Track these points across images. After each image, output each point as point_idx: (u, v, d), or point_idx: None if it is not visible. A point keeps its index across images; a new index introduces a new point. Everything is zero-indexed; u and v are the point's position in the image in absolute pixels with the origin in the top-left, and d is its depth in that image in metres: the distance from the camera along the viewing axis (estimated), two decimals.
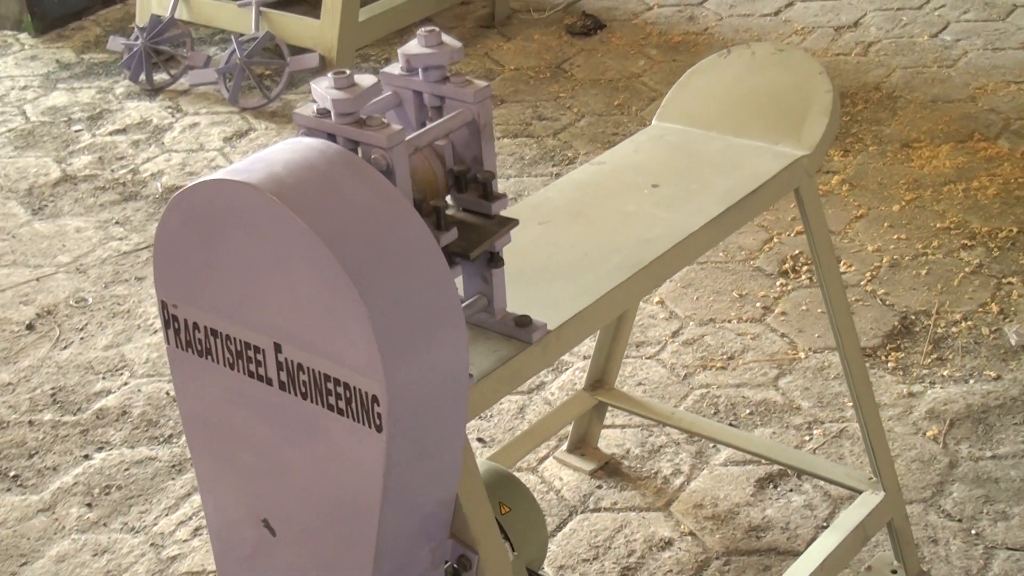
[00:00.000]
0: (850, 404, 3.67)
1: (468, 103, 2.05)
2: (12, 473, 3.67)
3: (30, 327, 4.32)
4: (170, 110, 5.77)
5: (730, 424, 3.69)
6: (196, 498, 3.50)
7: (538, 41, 6.28)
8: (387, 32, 6.06)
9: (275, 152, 1.85)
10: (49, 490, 3.60)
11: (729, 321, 4.17)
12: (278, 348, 1.88)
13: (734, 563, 3.25)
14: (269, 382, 1.93)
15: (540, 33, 6.37)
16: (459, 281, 2.15)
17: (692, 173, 2.66)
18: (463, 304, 2.12)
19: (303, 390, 1.89)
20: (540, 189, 2.71)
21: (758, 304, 4.24)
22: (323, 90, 1.92)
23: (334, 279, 1.74)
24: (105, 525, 3.48)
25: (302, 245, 1.75)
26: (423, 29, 2.06)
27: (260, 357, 1.92)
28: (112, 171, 5.28)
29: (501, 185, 4.96)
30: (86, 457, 3.71)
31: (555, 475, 3.56)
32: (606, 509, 3.44)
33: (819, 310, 4.13)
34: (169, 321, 2.01)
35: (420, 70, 2.07)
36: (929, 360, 3.92)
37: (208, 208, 1.85)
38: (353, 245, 1.75)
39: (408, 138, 1.96)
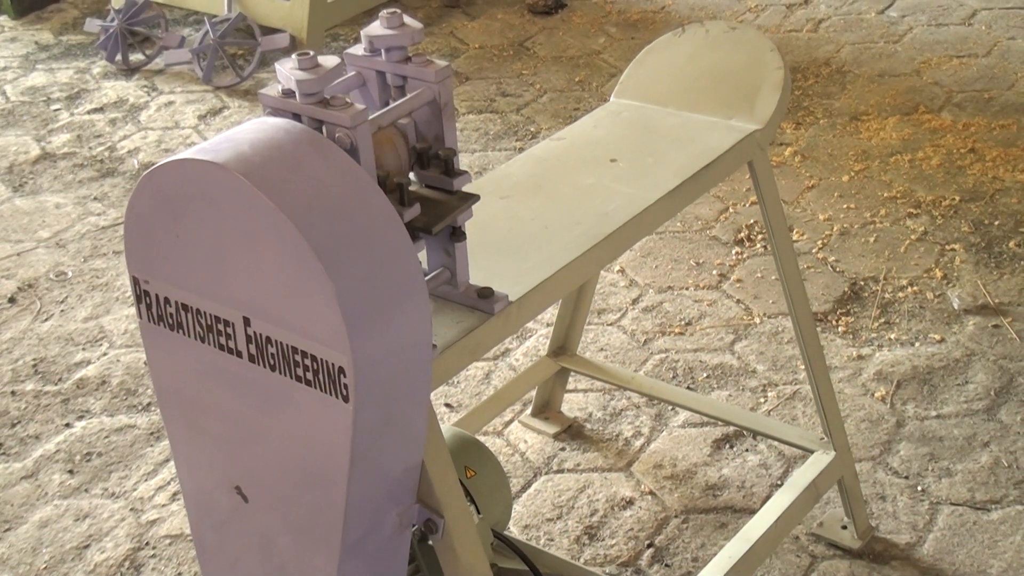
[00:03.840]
0: (802, 367, 3.70)
1: (429, 82, 2.04)
2: None
3: (12, 300, 4.35)
4: (146, 89, 5.78)
5: (688, 387, 3.74)
6: (173, 464, 3.53)
7: (501, 20, 6.30)
8: (356, 12, 6.06)
9: (241, 132, 1.84)
10: (32, 458, 3.63)
11: (687, 288, 4.20)
12: (247, 322, 1.88)
13: (692, 521, 3.29)
14: (239, 355, 1.92)
15: (503, 12, 6.39)
16: (423, 255, 2.14)
17: (649, 148, 2.67)
18: (427, 277, 2.12)
19: (272, 362, 1.89)
20: (503, 163, 2.70)
21: (714, 272, 4.27)
22: (288, 71, 1.90)
23: (300, 255, 1.74)
24: (86, 491, 3.51)
25: (269, 222, 1.75)
26: (385, 11, 2.06)
27: (230, 331, 1.91)
28: (90, 149, 5.30)
29: (466, 159, 4.98)
30: (67, 425, 3.74)
31: (520, 438, 3.60)
32: (569, 470, 3.48)
33: (773, 277, 4.17)
34: (141, 296, 2.00)
35: (383, 51, 2.06)
36: (877, 324, 3.97)
37: (177, 187, 1.84)
38: (318, 222, 1.75)
39: (371, 117, 1.97)
